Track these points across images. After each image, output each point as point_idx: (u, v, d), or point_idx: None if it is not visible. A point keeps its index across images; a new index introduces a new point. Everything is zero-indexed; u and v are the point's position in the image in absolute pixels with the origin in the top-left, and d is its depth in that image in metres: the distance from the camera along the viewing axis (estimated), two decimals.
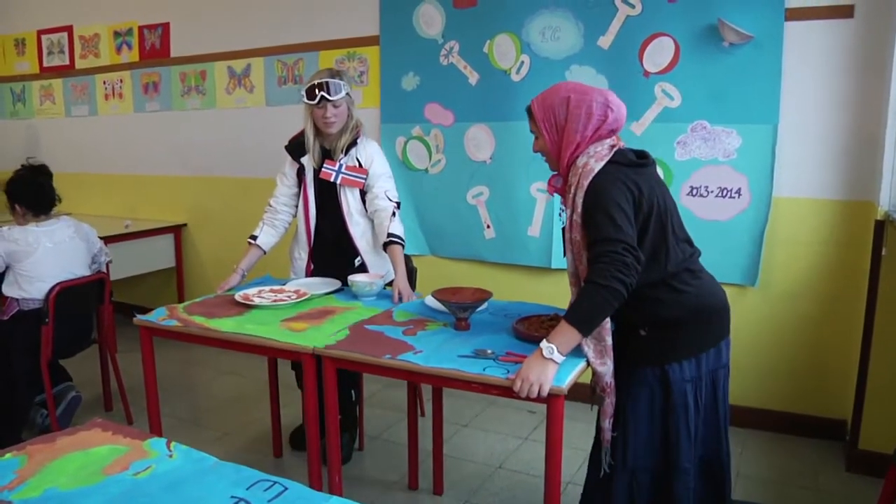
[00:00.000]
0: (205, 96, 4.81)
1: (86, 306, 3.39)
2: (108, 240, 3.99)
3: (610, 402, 1.99)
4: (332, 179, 2.86)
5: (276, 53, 4.44)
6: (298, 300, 2.60)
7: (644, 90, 3.35)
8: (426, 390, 3.45)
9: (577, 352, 2.02)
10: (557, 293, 3.63)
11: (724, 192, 3.26)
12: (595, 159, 1.93)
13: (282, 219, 3.02)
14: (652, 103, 3.35)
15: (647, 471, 2.01)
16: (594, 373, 1.98)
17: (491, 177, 3.80)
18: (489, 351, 2.03)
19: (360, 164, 2.88)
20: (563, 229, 2.04)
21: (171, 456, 1.53)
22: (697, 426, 1.99)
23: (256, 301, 2.58)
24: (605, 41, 3.42)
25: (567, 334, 1.83)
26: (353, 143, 2.88)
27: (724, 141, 3.24)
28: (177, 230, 5.07)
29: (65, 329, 3.23)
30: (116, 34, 5.14)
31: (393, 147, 4.05)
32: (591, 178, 1.90)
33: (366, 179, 2.88)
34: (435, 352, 2.05)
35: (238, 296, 2.62)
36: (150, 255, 4.93)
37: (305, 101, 2.79)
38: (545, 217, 3.67)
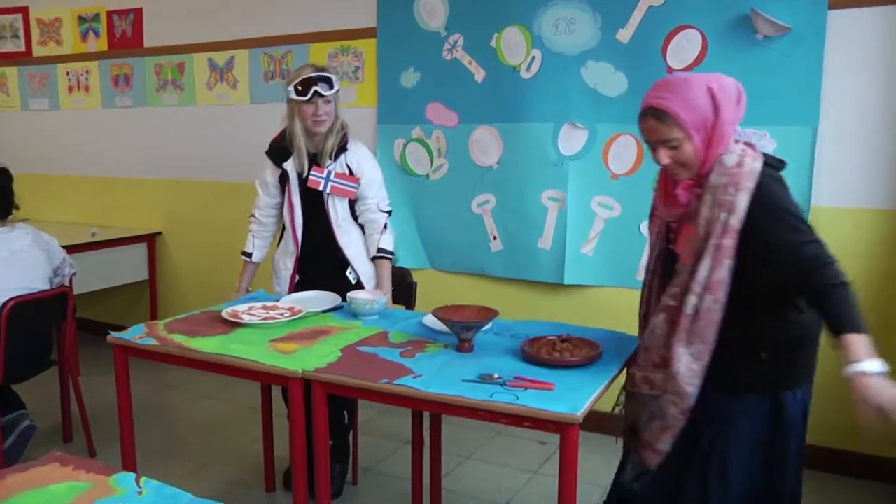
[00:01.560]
0: (183, 91, 4.84)
1: (44, 324, 3.38)
2: (72, 249, 3.97)
3: (678, 427, 1.98)
4: (320, 188, 2.90)
5: (262, 45, 4.47)
6: (291, 318, 2.61)
7: None
8: (424, 417, 3.45)
9: (594, 377, 2.04)
10: (569, 312, 3.66)
11: None
12: (750, 158, 1.90)
13: (271, 230, 3.10)
14: None
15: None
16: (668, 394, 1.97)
17: (498, 183, 3.82)
18: (496, 375, 2.03)
19: (351, 171, 2.92)
20: (674, 241, 2.03)
21: (140, 493, 1.49)
22: (799, 458, 2.00)
23: (245, 319, 2.59)
24: (624, 34, 3.45)
25: (860, 343, 1.72)
26: (343, 148, 2.92)
27: (757, 144, 3.24)
28: (150, 239, 5.08)
29: (19, 349, 3.19)
30: (81, 19, 5.17)
31: (391, 150, 4.08)
32: (755, 178, 1.87)
33: (357, 188, 2.91)
34: (436, 376, 2.05)
35: (226, 312, 2.63)
36: (120, 266, 4.94)
37: (295, 97, 2.81)
38: (557, 228, 3.69)
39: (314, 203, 2.96)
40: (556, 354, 2.14)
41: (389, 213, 3.00)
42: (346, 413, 3.12)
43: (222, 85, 4.67)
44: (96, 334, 3.95)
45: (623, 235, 3.56)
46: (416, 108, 3.98)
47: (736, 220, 1.85)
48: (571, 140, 3.61)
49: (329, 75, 2.83)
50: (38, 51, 5.42)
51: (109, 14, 5.04)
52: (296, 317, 2.62)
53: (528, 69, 3.66)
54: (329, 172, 2.91)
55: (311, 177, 2.91)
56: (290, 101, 2.87)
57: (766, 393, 1.96)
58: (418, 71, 3.96)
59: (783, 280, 1.87)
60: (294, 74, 2.89)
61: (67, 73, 5.31)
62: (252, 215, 3.13)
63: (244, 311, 2.68)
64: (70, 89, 5.33)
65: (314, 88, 2.78)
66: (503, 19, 3.69)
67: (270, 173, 3.03)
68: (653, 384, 2.04)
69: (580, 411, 1.82)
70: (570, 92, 3.57)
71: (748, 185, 1.86)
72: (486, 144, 3.82)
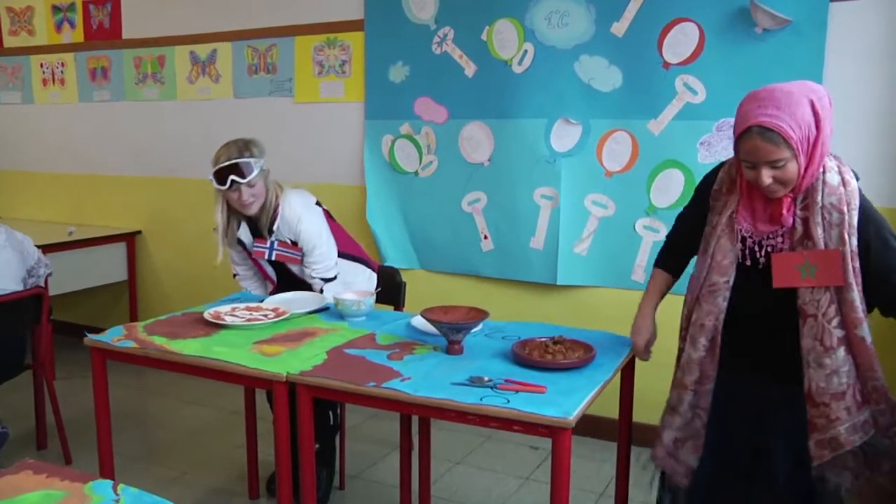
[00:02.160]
0: (163, 85, 4.83)
1: (17, 326, 3.37)
2: (47, 249, 3.97)
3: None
4: (265, 258, 3.01)
5: (245, 38, 4.47)
6: (276, 319, 2.62)
7: (663, 84, 3.40)
8: (413, 422, 3.47)
9: (587, 380, 2.05)
10: (562, 313, 3.68)
11: None
12: (848, 175, 1.91)
13: (256, 279, 3.22)
14: (672, 98, 3.39)
15: None
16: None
17: (489, 181, 3.84)
18: (486, 378, 2.05)
19: (292, 241, 2.99)
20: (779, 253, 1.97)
21: (117, 501, 1.48)
22: None
23: (228, 320, 2.60)
24: (619, 28, 3.47)
25: None
26: (273, 223, 2.97)
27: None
28: (129, 238, 5.07)
29: None
30: (56, 9, 5.15)
31: (379, 147, 4.09)
32: (858, 195, 1.89)
33: (301, 255, 3.00)
34: (425, 379, 2.07)
35: (208, 314, 2.64)
36: (98, 266, 4.93)
37: (215, 185, 2.87)
38: (549, 227, 3.71)
39: (276, 263, 3.07)
40: (548, 357, 2.15)
41: (331, 279, 3.02)
42: (331, 414, 3.13)
43: (204, 79, 4.67)
44: (73, 337, 3.95)
45: (617, 235, 3.58)
46: (405, 104, 3.99)
47: (855, 240, 1.86)
48: (564, 136, 3.63)
49: (248, 160, 2.84)
50: (8, 41, 5.40)
51: (85, 4, 5.02)
52: (281, 318, 2.63)
53: (520, 63, 3.68)
54: (272, 243, 3.00)
55: (255, 248, 3.02)
56: (215, 188, 2.92)
57: None
58: (407, 65, 3.97)
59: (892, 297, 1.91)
60: (215, 157, 2.92)
61: (41, 66, 5.30)
62: (235, 274, 3.22)
63: (227, 312, 2.69)
64: (44, 82, 5.31)
65: (231, 177, 2.82)
66: (494, 12, 3.71)
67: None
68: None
69: (573, 415, 1.83)
70: (563, 87, 3.59)
71: (855, 203, 1.88)
72: (476, 141, 3.84)
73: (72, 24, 5.10)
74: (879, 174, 3.15)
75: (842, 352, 1.89)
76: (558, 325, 2.58)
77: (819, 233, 1.88)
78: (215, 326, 2.57)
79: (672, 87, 3.38)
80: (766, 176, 1.88)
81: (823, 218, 1.88)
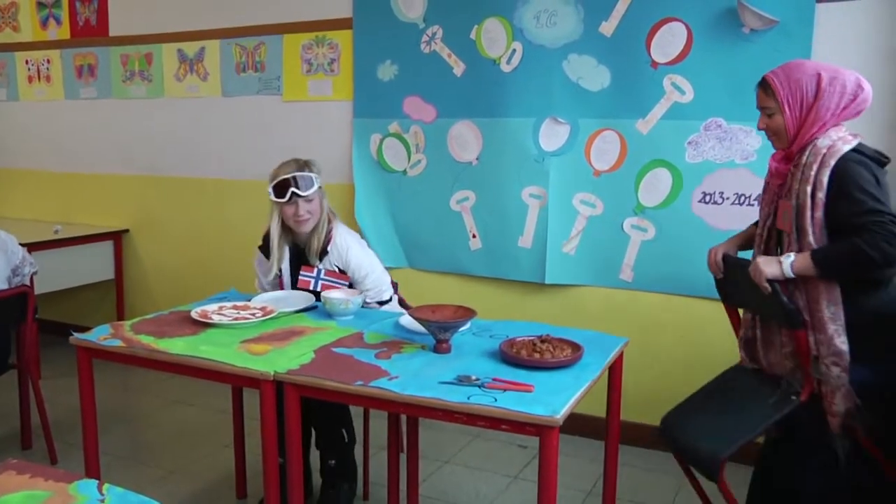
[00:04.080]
0: (150, 83, 4.81)
1: (2, 325, 3.35)
2: (32, 247, 3.94)
3: (848, 383, 2.13)
4: (311, 288, 2.95)
5: (233, 36, 4.45)
6: (263, 318, 2.61)
7: (651, 83, 3.41)
8: (400, 421, 3.46)
9: (575, 379, 2.06)
10: (550, 312, 3.68)
11: (742, 198, 3.31)
12: (842, 142, 2.16)
13: None
14: (660, 98, 3.40)
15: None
16: (826, 357, 2.13)
17: (477, 180, 3.84)
18: (473, 377, 2.05)
19: (340, 270, 2.96)
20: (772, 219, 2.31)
21: (102, 501, 1.47)
22: None
23: (215, 319, 2.59)
24: (607, 27, 3.47)
25: (806, 261, 2.10)
26: (325, 250, 2.95)
27: (742, 141, 3.29)
28: (116, 237, 5.05)
29: None
30: (41, 5, 5.12)
31: (367, 145, 4.08)
32: (838, 157, 2.12)
33: (347, 284, 2.96)
34: (413, 378, 2.07)
35: (195, 312, 2.63)
36: (85, 265, 4.90)
37: (273, 198, 2.86)
38: (538, 226, 3.71)
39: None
40: (535, 355, 2.16)
41: (390, 299, 3.01)
42: (344, 432, 3.04)
43: (192, 77, 4.65)
44: (59, 336, 3.92)
45: (605, 234, 3.59)
46: (394, 102, 3.99)
47: (822, 195, 2.11)
48: (553, 135, 3.63)
49: (308, 174, 2.87)
50: None
51: (71, 0, 4.99)
52: (268, 317, 2.63)
53: (508, 62, 3.68)
54: (319, 272, 2.95)
55: (301, 277, 2.96)
56: (273, 201, 2.90)
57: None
58: (395, 63, 3.96)
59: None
60: (274, 172, 2.91)
61: (27, 62, 5.26)
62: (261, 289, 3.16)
63: (214, 310, 2.68)
64: (30, 79, 5.27)
65: (291, 190, 2.82)
66: (483, 11, 3.70)
67: (264, 264, 3.06)
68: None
69: (560, 414, 1.83)
70: (551, 86, 3.59)
71: (830, 161, 2.12)
72: (465, 140, 3.84)
73: (58, 21, 5.07)
74: None
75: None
76: (546, 323, 2.58)
77: (796, 186, 2.19)
78: (202, 325, 2.56)
79: (660, 86, 3.39)
80: (760, 121, 2.31)
81: (803, 173, 2.17)
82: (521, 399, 1.91)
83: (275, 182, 2.87)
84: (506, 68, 3.69)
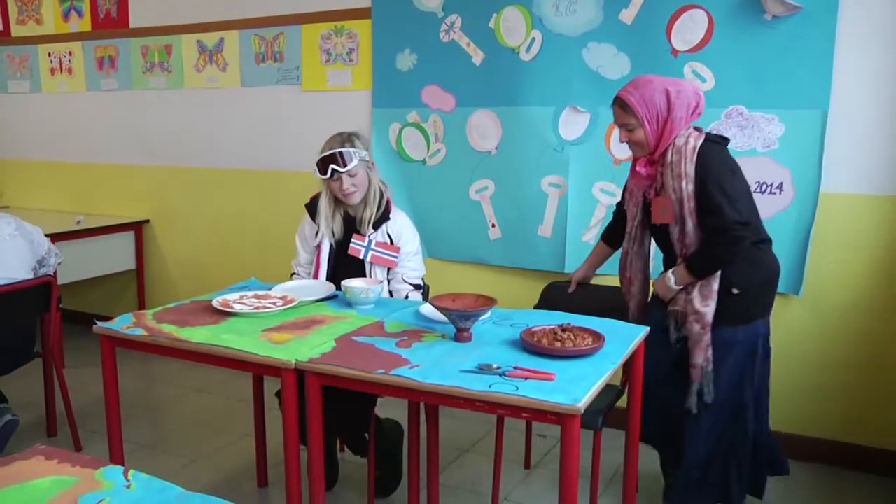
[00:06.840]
0: (170, 74, 4.83)
1: (27, 314, 3.39)
2: (56, 238, 3.99)
3: (707, 339, 2.57)
4: (361, 256, 2.95)
5: (253, 26, 4.46)
6: (284, 307, 2.62)
7: (672, 71, 3.36)
8: (420, 409, 3.47)
9: (596, 368, 2.05)
10: (571, 301, 3.65)
11: (764, 187, 3.28)
12: (693, 137, 2.55)
13: None
14: None
15: (724, 407, 2.64)
16: (689, 315, 2.59)
17: (497, 169, 3.83)
18: (495, 365, 2.05)
19: (391, 241, 2.97)
20: (650, 209, 2.68)
21: (128, 486, 1.48)
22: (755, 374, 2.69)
23: (236, 308, 2.60)
24: (627, 15, 3.44)
25: (684, 273, 2.58)
26: (385, 217, 2.96)
27: (764, 129, 3.26)
28: (137, 227, 5.08)
29: (1, 341, 3.20)
30: None
31: (386, 135, 4.08)
32: (697, 150, 2.52)
33: (398, 258, 2.96)
34: (434, 366, 2.06)
35: (216, 302, 2.64)
36: (106, 255, 4.94)
37: (317, 175, 2.88)
38: (558, 215, 3.69)
39: (350, 269, 2.95)
40: (556, 344, 2.15)
41: (417, 287, 3.01)
42: (366, 434, 2.98)
43: (211, 67, 4.66)
44: (82, 325, 3.96)
45: None
46: (412, 92, 3.98)
47: (691, 185, 2.51)
48: (572, 124, 3.61)
49: (349, 150, 2.85)
50: (16, 30, 5.40)
51: None
52: (289, 306, 2.63)
53: (527, 51, 3.66)
54: (370, 241, 2.95)
55: (352, 244, 2.95)
56: (317, 177, 2.92)
57: (745, 324, 2.64)
58: (414, 53, 3.95)
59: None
60: (320, 148, 2.92)
61: (49, 55, 5.30)
62: (294, 273, 3.15)
63: (235, 300, 2.69)
64: (52, 71, 5.31)
65: (331, 166, 2.83)
66: None
67: (309, 227, 3.07)
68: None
69: (581, 402, 1.83)
70: (571, 74, 3.57)
71: (691, 156, 2.51)
72: (484, 129, 3.82)
73: (79, 13, 5.10)
74: (892, 163, 3.13)
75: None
76: (566, 312, 2.57)
77: (669, 182, 2.56)
78: (224, 314, 2.57)
79: (681, 74, 3.36)
80: (621, 134, 2.67)
81: (672, 171, 2.54)
82: (542, 387, 1.91)
83: (317, 160, 2.89)
84: (525, 57, 3.67)
